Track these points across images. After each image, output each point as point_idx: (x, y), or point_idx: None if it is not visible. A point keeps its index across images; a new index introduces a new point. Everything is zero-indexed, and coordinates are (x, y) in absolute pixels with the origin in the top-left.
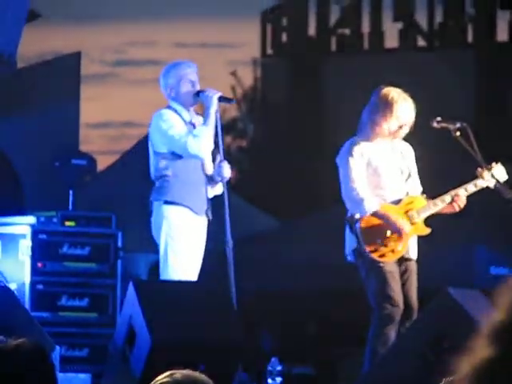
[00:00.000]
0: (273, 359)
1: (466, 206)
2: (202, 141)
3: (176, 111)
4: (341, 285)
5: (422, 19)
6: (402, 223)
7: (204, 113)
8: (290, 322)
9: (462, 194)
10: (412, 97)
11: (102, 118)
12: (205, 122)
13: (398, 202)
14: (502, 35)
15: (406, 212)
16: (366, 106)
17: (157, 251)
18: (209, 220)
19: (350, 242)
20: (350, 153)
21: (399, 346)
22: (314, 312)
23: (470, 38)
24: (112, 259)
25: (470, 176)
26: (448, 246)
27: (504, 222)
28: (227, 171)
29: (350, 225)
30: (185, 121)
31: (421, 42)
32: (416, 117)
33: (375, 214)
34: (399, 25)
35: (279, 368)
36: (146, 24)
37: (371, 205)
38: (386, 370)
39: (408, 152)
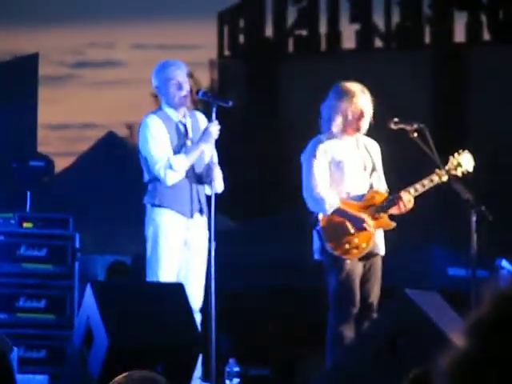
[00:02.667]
0: (230, 360)
1: (413, 207)
2: (177, 175)
3: (165, 114)
4: (301, 285)
5: (379, 20)
6: (363, 216)
7: (200, 137)
8: (250, 322)
9: (406, 195)
10: (370, 93)
11: (61, 120)
12: (188, 152)
13: (361, 197)
14: (459, 36)
15: (369, 207)
16: (325, 101)
17: (113, 253)
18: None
19: (315, 241)
20: (313, 151)
21: (357, 345)
22: (274, 312)
23: (427, 39)
24: (70, 261)
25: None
26: (406, 247)
27: (461, 223)
28: (216, 174)
29: (313, 223)
30: (174, 122)
31: (378, 43)
32: (375, 118)
33: (335, 212)
34: (356, 26)
35: (237, 369)
36: (104, 25)
37: (332, 203)
38: (343, 369)
39: (374, 148)
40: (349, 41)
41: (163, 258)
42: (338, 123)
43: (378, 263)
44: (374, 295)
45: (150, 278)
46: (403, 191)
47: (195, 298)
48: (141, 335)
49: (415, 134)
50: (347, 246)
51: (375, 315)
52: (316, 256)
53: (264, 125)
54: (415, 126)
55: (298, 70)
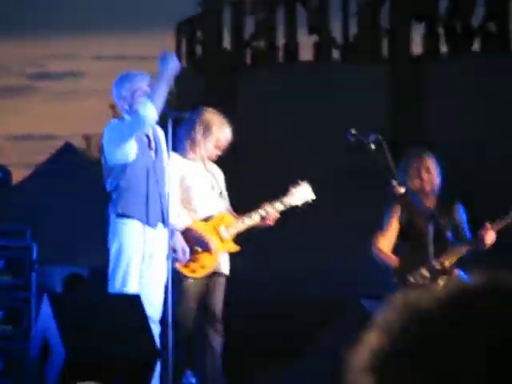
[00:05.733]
0: (187, 372)
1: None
2: (152, 114)
3: None
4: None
5: (336, 32)
6: (209, 238)
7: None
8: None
9: (271, 210)
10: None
11: (19, 131)
12: (154, 93)
13: (209, 217)
14: (416, 48)
15: (216, 227)
16: (183, 123)
17: (71, 264)
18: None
19: None
20: None
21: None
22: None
23: (384, 52)
24: (27, 272)
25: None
26: None
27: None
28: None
29: None
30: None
31: (335, 55)
32: (331, 131)
33: (185, 231)
34: (314, 37)
35: (193, 381)
36: (64, 37)
37: (183, 221)
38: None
39: (219, 174)
40: (306, 52)
41: (127, 268)
42: (194, 150)
43: (220, 282)
44: (218, 307)
45: (112, 288)
46: (267, 205)
47: (154, 308)
48: (98, 347)
49: (373, 146)
50: (193, 264)
51: (219, 324)
52: None
53: None
54: (372, 137)
55: (256, 82)
